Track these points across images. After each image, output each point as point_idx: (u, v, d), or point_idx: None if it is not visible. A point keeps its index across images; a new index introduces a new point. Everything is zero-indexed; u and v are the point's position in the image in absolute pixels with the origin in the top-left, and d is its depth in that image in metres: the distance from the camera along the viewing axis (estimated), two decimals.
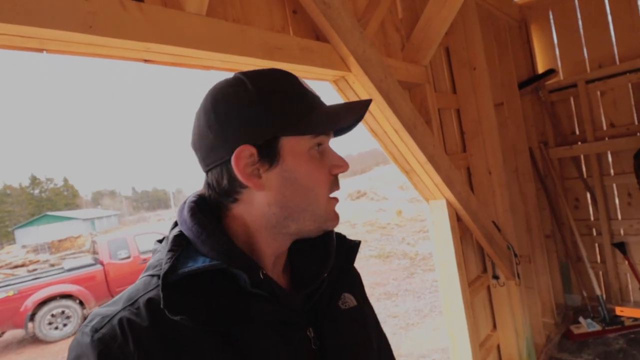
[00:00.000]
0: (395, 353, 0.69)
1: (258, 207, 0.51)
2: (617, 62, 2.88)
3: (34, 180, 57.34)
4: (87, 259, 7.08)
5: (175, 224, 0.54)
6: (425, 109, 1.74)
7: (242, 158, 0.49)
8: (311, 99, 0.52)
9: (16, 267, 14.14)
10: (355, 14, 1.45)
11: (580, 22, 3.02)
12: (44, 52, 0.73)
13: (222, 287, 0.48)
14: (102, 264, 6.29)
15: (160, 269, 0.46)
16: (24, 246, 23.98)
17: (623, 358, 2.47)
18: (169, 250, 0.48)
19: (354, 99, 1.40)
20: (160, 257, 0.50)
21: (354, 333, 0.58)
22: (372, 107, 1.41)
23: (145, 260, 6.43)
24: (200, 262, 0.46)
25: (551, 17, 3.14)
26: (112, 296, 6.18)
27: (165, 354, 0.43)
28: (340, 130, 0.57)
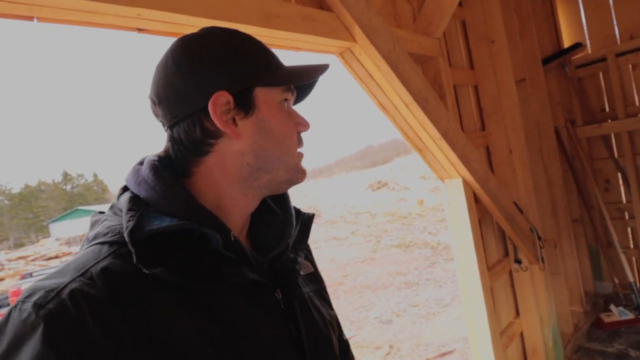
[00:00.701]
0: (415, 342, 0.69)
1: (231, 157, 0.50)
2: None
3: (66, 176, 60.05)
4: None
5: (124, 190, 0.50)
6: (439, 84, 1.66)
7: (218, 105, 0.48)
8: (276, 57, 0.55)
9: (50, 258, 14.94)
10: None
11: None
12: (34, 19, 0.72)
13: (191, 247, 0.45)
14: None
15: (113, 235, 0.43)
16: (57, 239, 25.24)
17: None
18: (129, 210, 0.44)
19: (361, 72, 1.34)
20: (109, 224, 0.46)
21: (314, 295, 0.61)
22: (380, 80, 1.35)
23: None
24: (167, 222, 0.43)
25: None
26: None
27: (130, 324, 0.38)
28: (299, 96, 0.60)
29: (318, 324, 0.57)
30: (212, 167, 0.50)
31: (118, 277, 0.40)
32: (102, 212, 0.51)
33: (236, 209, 0.52)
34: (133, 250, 0.40)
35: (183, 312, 0.42)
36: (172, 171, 0.50)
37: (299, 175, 0.55)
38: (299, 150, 0.55)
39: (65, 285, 0.38)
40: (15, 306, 0.37)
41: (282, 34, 1.02)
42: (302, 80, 0.53)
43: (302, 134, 0.56)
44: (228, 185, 0.51)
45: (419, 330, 3.75)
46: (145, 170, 0.49)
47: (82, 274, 0.39)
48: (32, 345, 0.34)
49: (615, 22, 2.82)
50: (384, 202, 14.28)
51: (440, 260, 6.44)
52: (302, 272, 0.61)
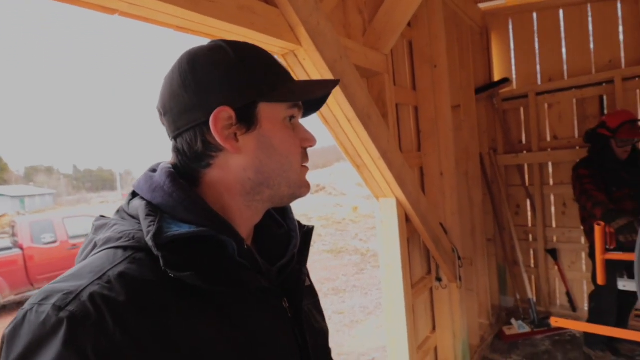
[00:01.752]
0: (337, 351, 0.66)
1: (233, 171, 0.50)
2: (565, 77, 3.01)
3: None
4: (6, 241, 6.30)
5: (134, 195, 0.51)
6: (383, 101, 1.64)
7: (220, 119, 0.48)
8: (286, 72, 0.54)
9: None
10: None
11: (536, 36, 3.11)
12: None
13: (209, 253, 0.46)
14: (21, 248, 5.57)
15: (127, 240, 0.43)
16: None
17: (547, 359, 2.60)
18: (148, 215, 0.45)
19: (303, 78, 1.25)
20: (121, 229, 0.45)
21: (314, 306, 0.63)
22: None
23: (75, 246, 5.84)
24: (186, 228, 0.44)
25: (510, 27, 3.21)
26: (32, 285, 5.57)
27: (151, 329, 0.38)
28: (307, 110, 0.59)
29: (319, 334, 0.60)
30: (216, 180, 0.51)
31: (136, 282, 0.40)
32: (104, 217, 0.51)
33: (241, 220, 0.53)
34: (160, 255, 0.40)
35: (204, 317, 0.43)
36: (184, 179, 0.50)
37: (302, 190, 0.56)
38: (303, 164, 0.56)
39: (85, 288, 0.38)
40: (31, 309, 0.36)
41: (213, 22, 0.88)
42: (308, 97, 0.53)
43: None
44: (232, 198, 0.51)
45: (342, 339, 3.78)
46: (161, 177, 0.49)
47: (100, 278, 0.39)
48: (53, 348, 0.34)
49: (538, 65, 3.13)
50: (320, 206, 14.41)
51: (368, 267, 6.63)
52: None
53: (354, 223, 11.84)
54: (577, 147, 2.92)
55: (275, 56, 0.59)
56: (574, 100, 2.99)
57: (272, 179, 0.52)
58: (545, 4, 3.01)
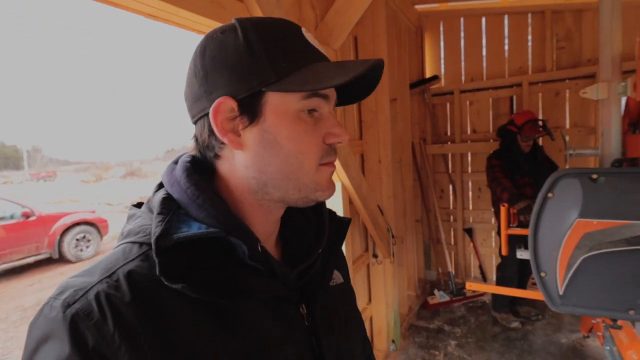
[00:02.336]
0: None
1: (237, 168, 0.47)
2: (484, 79, 3.42)
3: None
4: None
5: (160, 186, 0.49)
6: None
7: (221, 111, 0.44)
8: (307, 54, 0.45)
9: None
10: None
11: (462, 39, 3.47)
12: None
13: (218, 256, 0.44)
14: None
15: (144, 235, 0.43)
16: None
17: (463, 322, 3.04)
18: (159, 214, 0.43)
19: None
20: (142, 222, 0.45)
21: (343, 309, 0.58)
22: None
23: None
24: (195, 228, 0.42)
25: (441, 29, 3.53)
26: None
27: (149, 331, 0.38)
28: (348, 98, 0.53)
29: (342, 342, 0.54)
30: (225, 173, 0.48)
31: (143, 283, 0.40)
32: (140, 204, 0.49)
33: (256, 217, 0.49)
34: (157, 261, 0.39)
35: (204, 324, 0.41)
36: (203, 172, 0.48)
37: (317, 193, 0.48)
38: (324, 163, 0.48)
39: (93, 286, 0.38)
40: (48, 302, 0.38)
41: (186, 13, 0.91)
42: (323, 86, 0.43)
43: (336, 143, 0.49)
44: (241, 194, 0.48)
45: None
46: (178, 171, 0.47)
47: (109, 276, 0.39)
48: (57, 342, 0.36)
49: (463, 65, 3.51)
50: None
51: None
52: (331, 283, 0.58)
53: None
54: (491, 140, 3.38)
55: (304, 30, 0.48)
56: (490, 100, 3.43)
57: (277, 179, 0.46)
58: (471, 11, 3.36)
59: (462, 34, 3.46)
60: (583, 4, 2.94)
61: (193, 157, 0.50)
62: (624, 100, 1.62)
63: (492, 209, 3.01)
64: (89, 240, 6.32)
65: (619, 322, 1.55)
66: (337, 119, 0.48)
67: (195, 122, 0.48)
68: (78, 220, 6.20)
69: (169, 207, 0.44)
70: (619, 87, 1.48)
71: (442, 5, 3.41)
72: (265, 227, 0.51)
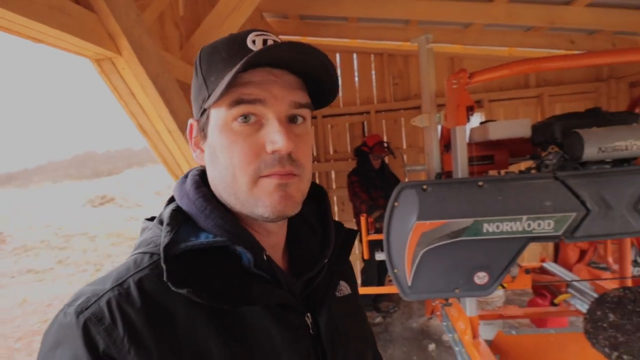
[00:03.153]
0: None
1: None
2: (341, 106, 3.90)
3: None
4: None
5: (171, 200, 0.51)
6: None
7: (191, 131, 0.50)
8: (237, 61, 0.42)
9: None
10: None
11: None
12: None
13: (224, 265, 0.45)
14: None
15: (155, 245, 0.45)
16: None
17: None
18: (168, 224, 0.45)
19: (121, 87, 1.21)
20: (153, 234, 0.48)
21: (349, 320, 0.57)
22: (143, 101, 1.26)
23: None
24: (202, 238, 0.44)
25: None
26: None
27: (157, 336, 0.39)
28: (321, 98, 0.50)
29: (348, 353, 0.54)
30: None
31: (152, 290, 0.41)
32: (150, 219, 0.52)
33: (254, 228, 0.49)
34: (164, 267, 0.41)
35: (210, 329, 0.42)
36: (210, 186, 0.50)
37: (258, 209, 0.44)
38: (266, 175, 0.44)
39: (105, 293, 0.40)
40: (63, 309, 0.41)
41: (22, 20, 0.78)
42: (222, 85, 0.41)
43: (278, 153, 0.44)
44: (231, 208, 0.48)
45: None
46: (188, 184, 0.50)
47: (121, 284, 0.41)
48: (71, 345, 0.38)
49: None
50: (108, 221, 12.33)
51: None
52: (338, 294, 0.57)
53: None
54: (350, 159, 3.84)
55: (252, 35, 0.45)
56: (347, 124, 3.93)
57: (224, 194, 0.47)
58: (327, 47, 3.80)
59: None
60: (409, 50, 3.71)
61: (202, 171, 0.51)
62: (440, 127, 2.11)
63: (354, 220, 3.40)
64: None
65: (450, 300, 1.96)
66: (283, 125, 0.44)
67: None
68: None
69: (178, 218, 0.46)
70: (436, 117, 1.93)
71: (301, 39, 3.76)
72: (267, 238, 0.50)
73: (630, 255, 2.11)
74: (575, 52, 3.34)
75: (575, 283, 2.38)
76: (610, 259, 2.57)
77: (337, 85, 0.49)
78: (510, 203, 1.48)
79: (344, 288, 0.60)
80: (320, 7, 2.88)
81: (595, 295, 2.00)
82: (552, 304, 2.51)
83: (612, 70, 3.57)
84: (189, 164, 1.52)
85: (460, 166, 1.69)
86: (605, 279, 2.33)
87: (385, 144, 3.22)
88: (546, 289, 2.70)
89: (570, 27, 2.91)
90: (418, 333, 3.02)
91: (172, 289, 0.40)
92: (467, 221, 1.49)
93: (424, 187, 1.54)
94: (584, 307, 2.17)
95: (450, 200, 1.53)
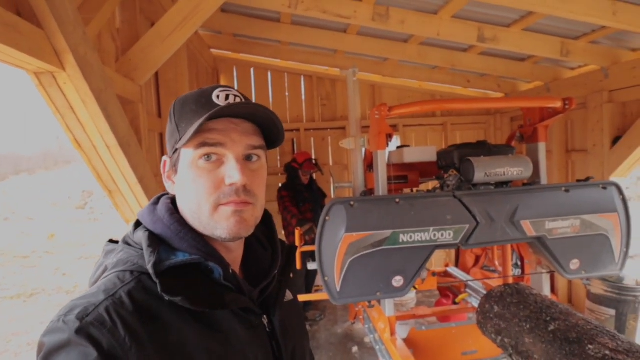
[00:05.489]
0: None
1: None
2: None
3: None
4: None
5: (137, 224, 0.59)
6: (137, 128, 1.71)
7: (164, 166, 0.60)
8: (204, 112, 0.54)
9: None
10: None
11: (253, 86, 3.98)
12: None
13: (199, 278, 0.55)
14: None
15: (132, 264, 0.53)
16: None
17: None
18: (149, 246, 0.53)
19: (59, 101, 1.18)
20: (126, 255, 0.55)
21: (294, 321, 0.69)
22: (83, 116, 1.24)
23: None
24: (181, 257, 0.53)
25: (235, 74, 3.94)
26: None
27: (150, 335, 0.48)
28: (272, 142, 0.62)
29: (296, 348, 0.67)
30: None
31: (141, 299, 0.50)
32: (113, 242, 0.60)
33: (221, 247, 0.59)
34: (158, 282, 0.49)
35: (191, 329, 0.51)
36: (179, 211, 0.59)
37: (217, 231, 0.55)
38: (224, 203, 0.54)
39: (101, 303, 0.48)
40: (58, 319, 0.46)
41: None
42: (188, 135, 0.52)
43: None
44: (197, 230, 0.57)
45: None
46: (161, 210, 0.58)
47: (112, 295, 0.49)
48: (79, 346, 0.44)
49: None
50: None
51: None
52: (284, 299, 0.68)
53: (50, 255, 9.42)
54: (279, 174, 3.97)
55: (218, 91, 0.57)
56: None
57: (190, 218, 0.57)
58: (259, 65, 3.94)
59: (252, 82, 3.97)
60: (336, 75, 4.03)
61: (172, 199, 0.60)
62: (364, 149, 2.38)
63: (283, 232, 3.52)
64: None
65: (372, 303, 2.20)
66: (240, 163, 0.55)
67: None
68: None
69: (155, 241, 0.54)
70: (361, 140, 2.18)
71: (234, 55, 3.83)
72: (227, 254, 0.60)
73: (510, 259, 2.60)
74: (470, 89, 4.00)
75: (471, 283, 2.83)
76: (496, 262, 3.10)
77: (282, 134, 0.61)
78: (420, 217, 1.76)
79: (289, 295, 0.72)
80: (255, 29, 3.02)
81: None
82: (454, 303, 2.94)
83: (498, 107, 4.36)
84: (125, 179, 1.50)
85: (381, 184, 1.95)
86: (493, 279, 2.82)
87: (314, 161, 3.44)
88: (449, 290, 3.14)
89: (466, 70, 3.50)
90: (342, 337, 3.22)
91: (167, 298, 0.49)
92: (387, 232, 1.73)
93: (352, 203, 1.75)
94: (477, 304, 2.61)
95: (373, 215, 1.76)
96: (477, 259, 3.56)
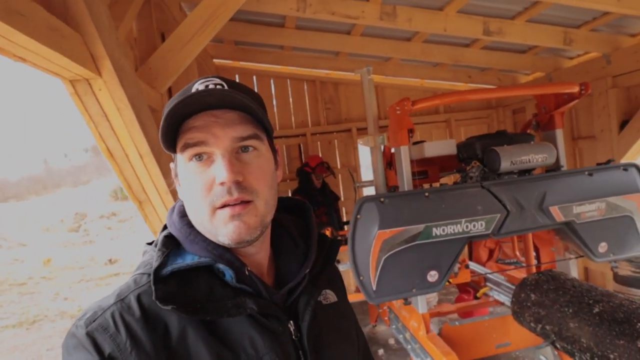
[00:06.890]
0: None
1: None
2: (277, 129, 4.01)
3: None
4: None
5: (165, 227, 0.58)
6: None
7: (172, 170, 0.57)
8: (181, 109, 0.49)
9: None
10: None
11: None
12: None
13: (208, 281, 0.52)
14: None
15: (150, 267, 0.51)
16: None
17: None
18: (159, 250, 0.52)
19: (94, 109, 1.15)
20: (150, 257, 0.54)
21: (334, 327, 0.62)
22: (117, 124, 1.21)
23: None
24: (189, 260, 0.51)
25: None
26: None
27: (153, 340, 0.46)
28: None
29: (333, 354, 0.59)
30: None
31: (149, 303, 0.49)
32: (150, 244, 0.59)
33: (236, 250, 0.54)
34: (153, 288, 0.47)
35: (198, 336, 0.48)
36: None
37: (219, 238, 0.51)
38: (219, 206, 0.50)
39: (109, 307, 0.48)
40: (75, 323, 0.49)
41: (23, 40, 0.74)
42: (166, 131, 0.50)
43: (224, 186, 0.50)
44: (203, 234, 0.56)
45: None
46: (175, 214, 0.57)
47: (123, 299, 0.49)
48: (84, 350, 0.46)
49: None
50: None
51: None
52: (324, 302, 0.62)
53: (48, 280, 9.20)
54: (288, 180, 3.94)
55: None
56: (284, 146, 4.04)
57: (195, 223, 0.54)
58: (261, 72, 3.93)
59: (255, 89, 3.96)
60: (339, 78, 4.04)
61: None
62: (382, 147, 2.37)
63: None
64: None
65: (409, 300, 2.17)
66: (227, 158, 0.49)
67: None
68: None
69: (168, 243, 0.54)
70: (379, 138, 2.17)
71: (235, 63, 3.82)
72: (247, 258, 0.56)
73: (532, 248, 2.60)
74: (472, 85, 4.05)
75: (490, 276, 2.81)
76: (518, 253, 3.10)
77: (267, 118, 0.53)
78: (451, 209, 1.75)
79: (330, 296, 0.64)
80: (258, 35, 3.01)
81: (509, 285, 2.41)
82: (475, 298, 2.92)
83: (500, 100, 4.40)
84: (155, 188, 1.46)
85: (406, 180, 1.94)
86: (514, 269, 2.82)
87: (326, 165, 3.43)
88: (468, 285, 3.12)
89: (469, 64, 3.54)
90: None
91: (160, 305, 0.46)
92: (420, 227, 1.71)
93: (382, 199, 1.73)
94: (500, 297, 2.59)
95: (404, 210, 1.74)
96: (491, 252, 3.55)
